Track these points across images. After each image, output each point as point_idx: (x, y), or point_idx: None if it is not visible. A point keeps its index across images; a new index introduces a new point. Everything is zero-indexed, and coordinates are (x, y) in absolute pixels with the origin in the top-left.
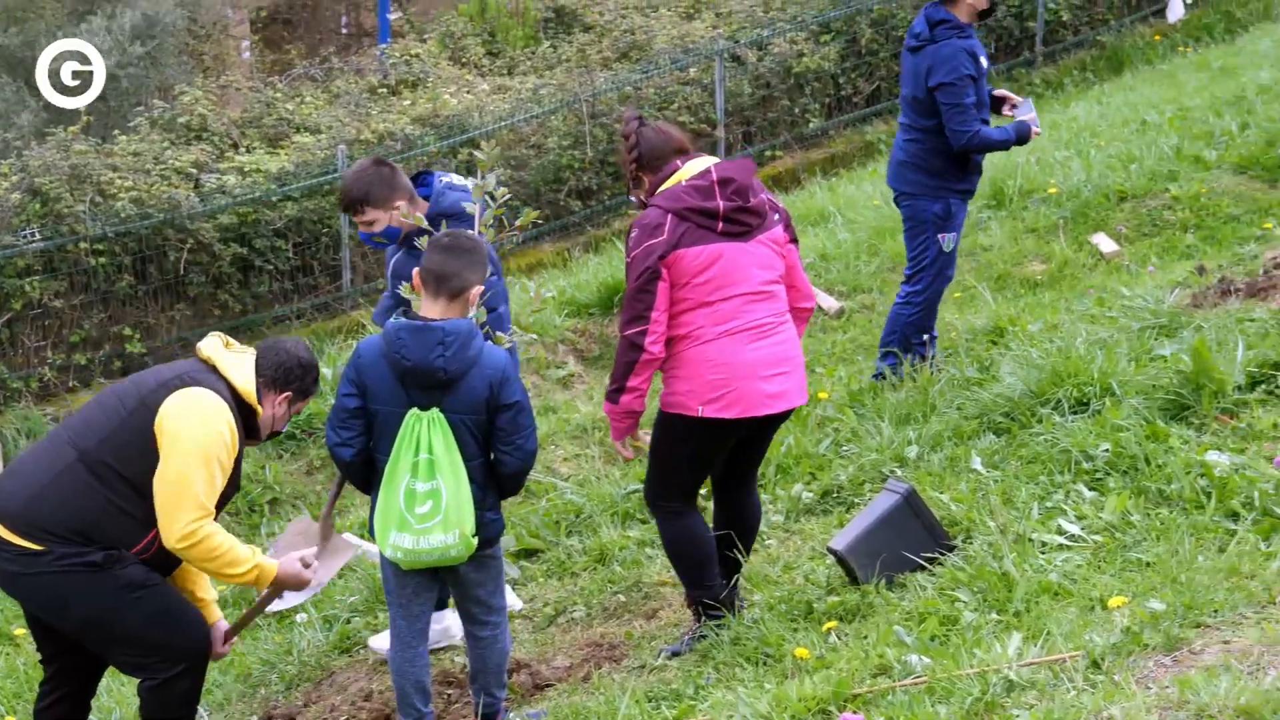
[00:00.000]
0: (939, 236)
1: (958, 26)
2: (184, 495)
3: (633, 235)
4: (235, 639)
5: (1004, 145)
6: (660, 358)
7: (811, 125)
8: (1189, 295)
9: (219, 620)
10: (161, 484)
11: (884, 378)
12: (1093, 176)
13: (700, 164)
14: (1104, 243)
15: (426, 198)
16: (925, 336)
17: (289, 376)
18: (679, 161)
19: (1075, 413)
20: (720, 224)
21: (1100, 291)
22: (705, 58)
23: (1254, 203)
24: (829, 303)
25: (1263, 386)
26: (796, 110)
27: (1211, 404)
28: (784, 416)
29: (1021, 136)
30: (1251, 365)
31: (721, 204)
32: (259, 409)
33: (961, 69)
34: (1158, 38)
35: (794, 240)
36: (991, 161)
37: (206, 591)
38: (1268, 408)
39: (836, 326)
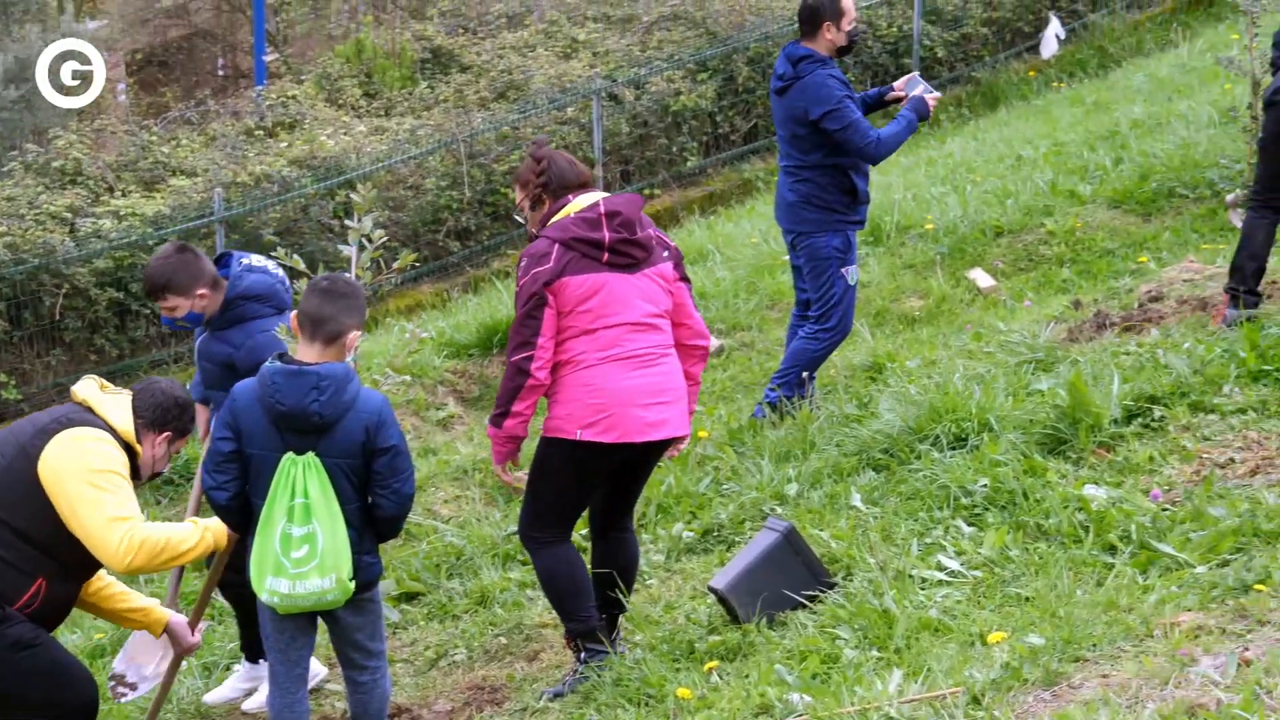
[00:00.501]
0: (842, 271)
1: (820, 60)
2: (100, 522)
3: (521, 264)
4: (201, 624)
5: (911, 129)
6: (545, 384)
7: (689, 163)
8: (1065, 329)
9: (172, 617)
10: (75, 524)
11: (766, 415)
12: (969, 212)
13: (590, 198)
14: (981, 278)
15: (227, 278)
16: (804, 374)
17: (166, 416)
18: (571, 196)
19: (954, 448)
20: (605, 255)
21: (978, 327)
22: (582, 97)
23: (1128, 236)
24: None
25: (1139, 420)
26: (674, 149)
27: (1088, 438)
28: (663, 447)
29: (920, 114)
30: (1127, 399)
31: (608, 235)
32: (139, 449)
33: (836, 91)
34: (1032, 73)
35: (684, 279)
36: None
37: (138, 600)
38: (1144, 441)
39: (716, 364)
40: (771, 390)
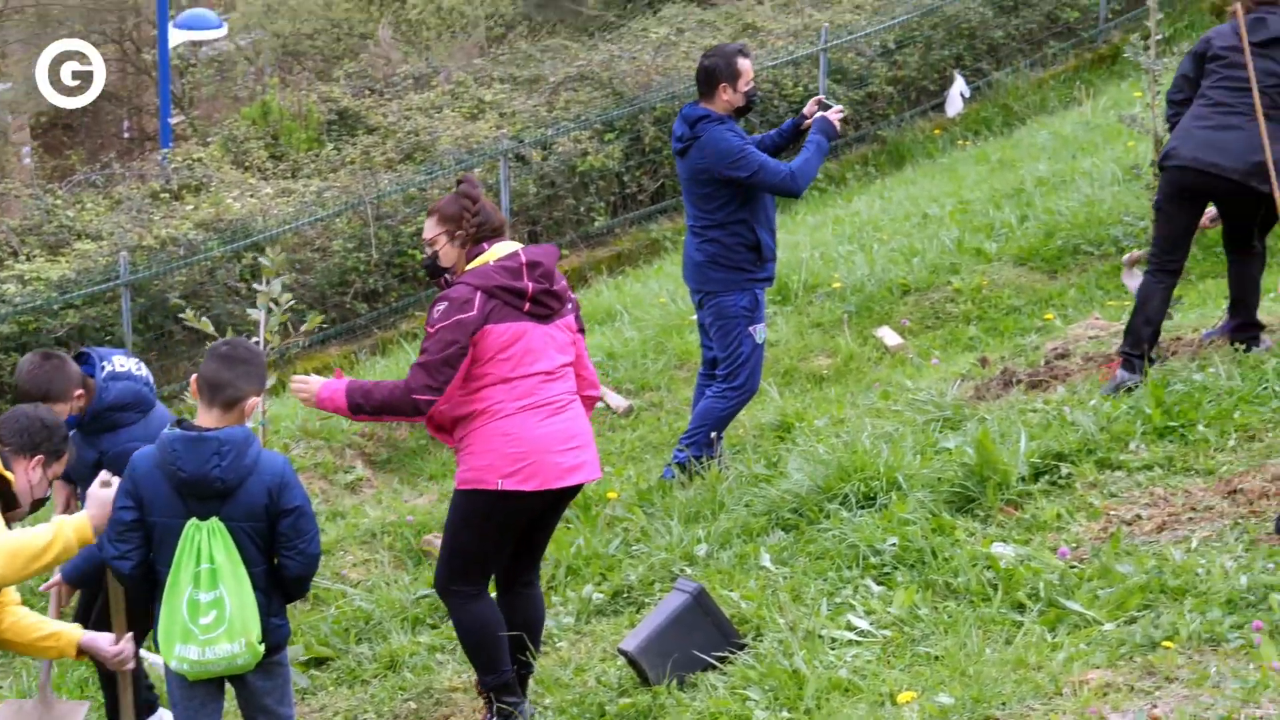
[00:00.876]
0: (750, 329)
1: (718, 119)
2: None
3: (439, 308)
4: (126, 632)
5: (823, 151)
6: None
7: (597, 223)
8: (972, 387)
9: (83, 635)
10: None
11: (675, 475)
12: (876, 270)
13: (507, 247)
14: (888, 336)
15: (92, 375)
16: (712, 434)
17: (35, 439)
18: (486, 243)
19: (863, 507)
20: (527, 304)
21: (885, 385)
22: (489, 158)
23: (1034, 294)
24: (617, 401)
25: (1046, 477)
26: (582, 209)
27: (996, 496)
28: (574, 494)
29: (828, 134)
30: (1034, 456)
31: (530, 286)
32: (10, 476)
33: (734, 141)
34: (937, 132)
35: (581, 330)
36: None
37: (50, 626)
38: (1051, 498)
39: (625, 425)
40: (680, 451)
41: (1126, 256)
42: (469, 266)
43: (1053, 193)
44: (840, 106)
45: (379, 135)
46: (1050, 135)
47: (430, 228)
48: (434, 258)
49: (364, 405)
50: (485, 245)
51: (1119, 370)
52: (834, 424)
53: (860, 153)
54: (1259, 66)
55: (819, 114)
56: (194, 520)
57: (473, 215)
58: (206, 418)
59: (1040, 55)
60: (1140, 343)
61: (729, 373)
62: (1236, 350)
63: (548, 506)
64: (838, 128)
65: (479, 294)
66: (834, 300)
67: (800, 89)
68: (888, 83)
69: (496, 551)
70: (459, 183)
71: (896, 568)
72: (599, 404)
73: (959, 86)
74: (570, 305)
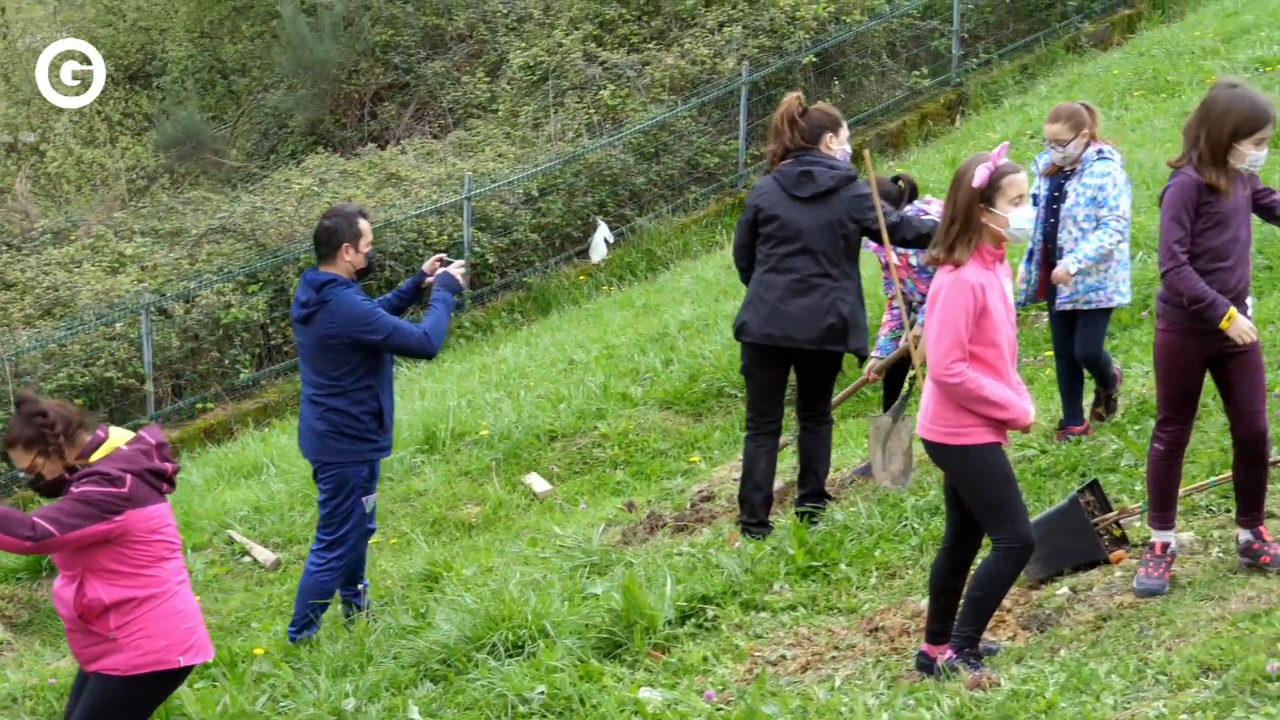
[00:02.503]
0: (363, 499)
1: (344, 283)
2: None
3: (89, 481)
4: None
5: (449, 307)
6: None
7: (243, 376)
8: (620, 532)
9: None
10: None
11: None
12: (523, 417)
13: (121, 432)
14: (537, 483)
15: None
16: (360, 585)
17: None
18: (100, 432)
19: (511, 656)
20: (165, 485)
21: (534, 532)
22: (131, 312)
23: (680, 437)
24: (264, 555)
25: (692, 620)
26: (227, 361)
27: (643, 640)
28: None
29: (452, 289)
30: (681, 600)
31: (169, 466)
32: None
33: (365, 304)
34: (582, 277)
35: None
36: (424, 407)
37: None
38: (697, 641)
39: (273, 579)
40: (294, 635)
41: None
42: (98, 455)
43: (696, 336)
44: (461, 261)
45: (16, 291)
46: (693, 279)
47: (21, 458)
48: (40, 479)
49: (36, 541)
50: (101, 434)
51: (736, 544)
52: (482, 572)
53: (506, 300)
54: (807, 223)
55: (441, 270)
56: None
57: (50, 426)
58: None
59: (682, 200)
60: (755, 510)
61: (333, 541)
62: (804, 520)
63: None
64: (461, 282)
65: (129, 477)
66: (482, 448)
67: (445, 238)
68: (532, 230)
69: None
70: (19, 404)
71: (545, 716)
72: (245, 558)
73: (603, 232)
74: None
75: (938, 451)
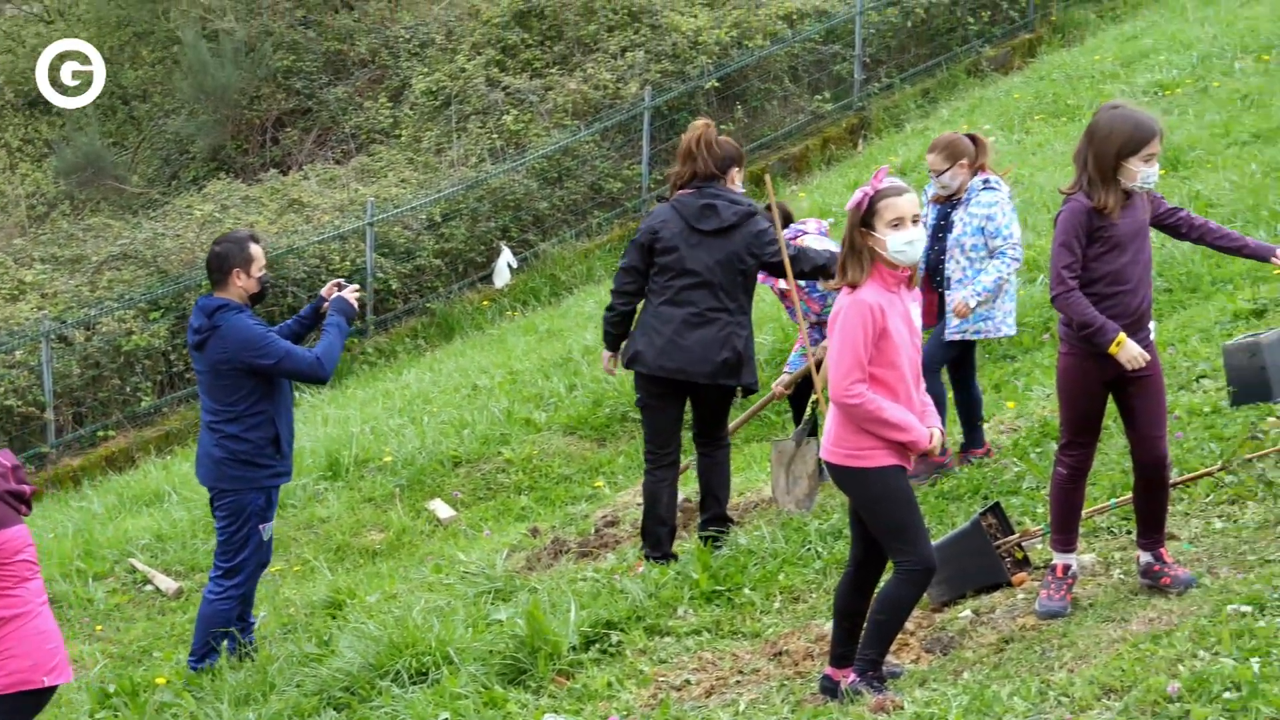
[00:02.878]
0: (260, 527)
1: (237, 308)
2: None
3: None
4: None
5: (344, 333)
6: None
7: (144, 403)
8: (524, 558)
9: None
10: None
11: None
12: (427, 443)
13: None
14: (441, 509)
15: None
16: (249, 620)
17: None
18: None
19: (415, 683)
20: (23, 507)
21: (438, 558)
22: (31, 340)
23: (584, 462)
24: (167, 584)
25: (596, 646)
26: (128, 389)
27: (547, 666)
28: None
29: (347, 314)
30: (585, 625)
31: (27, 489)
32: None
33: (257, 329)
34: (486, 303)
35: None
36: (327, 433)
37: None
38: (602, 666)
39: (175, 608)
40: (194, 665)
41: None
42: None
43: (599, 361)
44: (356, 286)
45: None
46: (596, 304)
47: None
48: None
49: None
50: None
51: (640, 569)
52: (386, 599)
53: (410, 325)
54: (706, 258)
55: (336, 295)
56: None
57: None
58: None
59: (585, 225)
60: (660, 543)
61: (230, 569)
62: (708, 545)
63: None
64: (355, 307)
65: None
66: (385, 474)
67: (348, 263)
68: (435, 255)
69: None
70: None
71: None
72: (148, 587)
73: (506, 257)
74: None
75: (839, 474)
